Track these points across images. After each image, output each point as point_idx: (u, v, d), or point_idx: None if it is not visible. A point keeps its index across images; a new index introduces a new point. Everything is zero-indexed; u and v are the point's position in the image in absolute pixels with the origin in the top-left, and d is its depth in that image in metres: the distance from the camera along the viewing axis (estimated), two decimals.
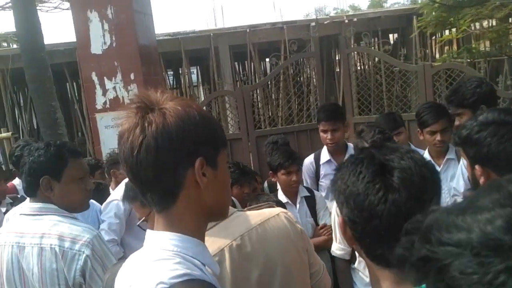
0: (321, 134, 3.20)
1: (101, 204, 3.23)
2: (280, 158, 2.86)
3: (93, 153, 4.99)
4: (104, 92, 4.43)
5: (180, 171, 0.92)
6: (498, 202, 0.51)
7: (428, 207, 0.74)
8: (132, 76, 4.39)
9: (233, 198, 3.00)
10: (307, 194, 2.95)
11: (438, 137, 2.67)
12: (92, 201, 2.69)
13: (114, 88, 4.42)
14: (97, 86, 4.44)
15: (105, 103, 4.44)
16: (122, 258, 2.55)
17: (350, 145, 3.27)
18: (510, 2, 6.76)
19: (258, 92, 8.54)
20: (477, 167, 1.40)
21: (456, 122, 2.39)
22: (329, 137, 3.12)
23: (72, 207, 1.78)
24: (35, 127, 10.52)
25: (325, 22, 10.19)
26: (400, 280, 0.88)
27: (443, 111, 2.72)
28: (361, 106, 5.10)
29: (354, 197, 0.90)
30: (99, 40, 4.42)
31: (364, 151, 0.99)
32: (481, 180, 1.40)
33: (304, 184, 3.19)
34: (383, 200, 0.86)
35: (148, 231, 1.00)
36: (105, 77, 4.43)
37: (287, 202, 2.93)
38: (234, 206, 2.82)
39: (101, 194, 3.45)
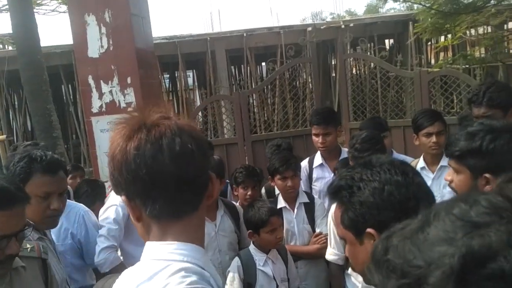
0: (313, 137, 3.21)
1: (95, 203, 3.18)
2: (276, 163, 2.86)
3: (88, 157, 4.97)
4: (101, 95, 4.41)
5: (207, 179, 0.96)
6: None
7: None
8: (128, 80, 4.37)
9: (233, 202, 2.99)
10: (307, 200, 2.93)
11: (433, 139, 2.70)
12: (77, 204, 2.66)
13: (111, 91, 4.39)
14: (94, 90, 4.42)
15: (101, 106, 4.42)
16: (121, 265, 2.53)
17: (344, 149, 3.28)
18: (506, 9, 6.82)
19: (254, 96, 8.56)
20: (487, 175, 1.37)
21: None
22: (321, 140, 3.13)
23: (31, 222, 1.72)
24: (30, 130, 10.47)
25: (322, 27, 10.23)
26: None
27: (438, 115, 2.80)
28: (357, 111, 5.12)
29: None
30: (96, 43, 4.40)
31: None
32: (488, 189, 1.38)
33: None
34: None
35: (151, 243, 0.94)
36: (101, 81, 4.40)
37: (285, 207, 2.93)
38: (234, 208, 2.83)
39: (96, 193, 3.39)
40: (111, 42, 4.36)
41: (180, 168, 0.88)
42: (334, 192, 1.09)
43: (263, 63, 13.07)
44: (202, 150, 0.93)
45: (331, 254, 2.43)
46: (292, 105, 7.50)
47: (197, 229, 0.95)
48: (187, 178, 0.90)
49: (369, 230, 1.00)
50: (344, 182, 1.06)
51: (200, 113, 8.15)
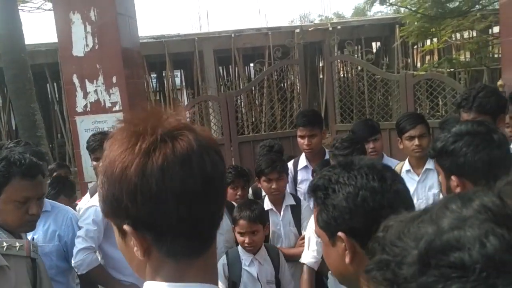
0: (299, 139, 3.21)
1: (59, 197, 3.23)
2: (262, 164, 2.86)
3: (73, 156, 4.91)
4: (85, 95, 4.35)
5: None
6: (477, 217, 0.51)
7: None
8: (114, 79, 4.33)
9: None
10: (293, 202, 2.93)
11: (416, 142, 2.73)
12: (66, 207, 2.63)
13: (96, 91, 4.34)
14: (78, 89, 4.36)
15: (85, 106, 4.36)
16: (99, 267, 2.50)
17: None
18: (490, 14, 6.92)
19: (242, 97, 8.54)
20: (453, 177, 1.42)
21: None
22: (306, 142, 3.14)
23: (8, 226, 1.70)
24: (14, 128, 10.31)
25: (310, 29, 10.27)
26: None
27: (421, 118, 2.84)
28: (343, 114, 5.14)
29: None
30: (81, 42, 4.34)
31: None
32: (457, 191, 1.42)
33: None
34: None
35: (163, 285, 0.75)
36: (86, 80, 4.35)
37: (271, 209, 2.93)
38: (233, 207, 2.82)
39: (62, 186, 3.43)
40: (96, 41, 4.31)
41: (210, 196, 0.72)
42: (312, 191, 1.07)
43: (251, 64, 13.07)
44: (224, 170, 0.76)
45: (311, 257, 2.41)
46: (279, 107, 7.50)
47: (214, 266, 0.81)
48: (216, 207, 0.75)
49: (339, 234, 0.98)
50: (321, 182, 1.05)
51: (187, 114, 8.09)
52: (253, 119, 9.17)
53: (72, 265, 2.42)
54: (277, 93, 7.19)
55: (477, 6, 6.37)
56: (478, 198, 0.54)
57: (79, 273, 2.44)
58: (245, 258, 2.51)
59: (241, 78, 10.92)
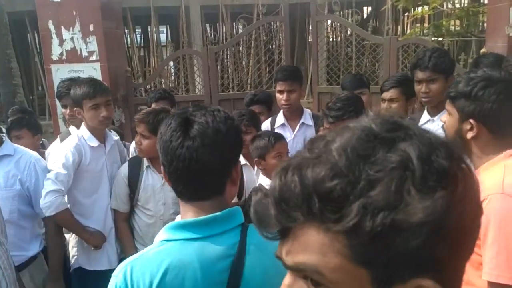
0: (277, 95, 3.16)
1: (22, 129, 3.33)
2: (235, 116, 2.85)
3: (50, 107, 4.81)
4: (61, 42, 4.22)
5: None
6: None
7: (228, 156, 1.17)
8: (91, 28, 4.19)
9: None
10: None
11: (385, 104, 2.81)
12: (29, 151, 2.58)
13: (72, 39, 4.21)
14: (54, 36, 4.22)
15: (61, 54, 4.24)
16: (66, 211, 2.49)
17: (307, 110, 3.27)
18: None
19: (228, 56, 8.38)
20: (471, 121, 1.44)
21: (422, 89, 2.43)
22: (285, 97, 3.09)
23: None
24: None
25: None
26: (201, 212, 1.15)
27: (395, 82, 2.87)
28: (330, 79, 5.11)
29: (162, 143, 1.15)
30: None
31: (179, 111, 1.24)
32: (470, 135, 1.44)
33: None
34: (180, 146, 1.12)
35: None
36: (62, 27, 4.20)
37: (245, 164, 2.93)
38: None
39: (26, 119, 3.48)
40: None
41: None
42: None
43: (240, 24, 12.78)
44: None
45: None
46: (266, 68, 7.39)
47: None
48: None
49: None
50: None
51: (172, 69, 7.96)
52: (239, 80, 9.06)
53: (40, 206, 2.41)
54: (264, 54, 7.07)
55: None
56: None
57: (46, 215, 2.44)
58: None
59: (228, 36, 10.68)
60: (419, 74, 2.46)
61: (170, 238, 1.16)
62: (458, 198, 0.49)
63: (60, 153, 2.54)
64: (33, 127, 3.41)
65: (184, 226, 1.16)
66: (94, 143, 2.61)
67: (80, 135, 2.61)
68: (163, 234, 1.18)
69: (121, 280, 1.12)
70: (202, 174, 1.15)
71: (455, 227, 0.49)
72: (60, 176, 2.46)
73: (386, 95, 2.79)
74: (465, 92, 1.45)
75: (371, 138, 0.51)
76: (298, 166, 0.52)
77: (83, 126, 2.65)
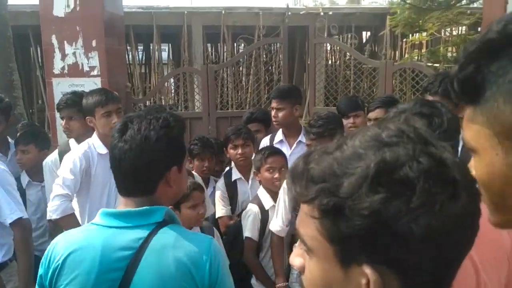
0: (272, 111, 3.26)
1: (29, 144, 3.44)
2: (229, 132, 2.91)
3: (50, 120, 4.86)
4: (63, 56, 4.29)
5: None
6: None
7: (157, 161, 1.31)
8: (94, 43, 4.27)
9: (193, 172, 3.00)
10: None
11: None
12: None
13: (74, 53, 4.28)
14: (56, 50, 4.30)
15: (63, 68, 4.31)
16: (71, 216, 2.52)
17: None
18: (478, 10, 6.96)
19: (228, 75, 8.49)
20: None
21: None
22: (273, 114, 3.18)
23: None
24: None
25: (301, 12, 10.21)
26: (129, 206, 1.35)
27: (383, 102, 2.95)
28: (327, 100, 5.23)
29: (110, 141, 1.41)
30: (63, 2, 4.27)
31: None
32: None
33: None
34: (114, 146, 1.35)
35: None
36: (65, 41, 4.28)
37: (240, 178, 2.97)
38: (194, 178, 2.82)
39: (33, 134, 3.59)
40: (78, 2, 4.24)
41: None
42: None
43: (242, 44, 12.98)
44: None
45: (279, 225, 2.52)
46: (265, 87, 7.48)
47: None
48: None
49: None
50: None
51: (172, 87, 8.04)
52: (239, 99, 9.15)
53: (47, 209, 2.46)
54: (264, 74, 7.19)
55: (464, 0, 6.41)
56: (393, 125, 0.63)
57: (52, 218, 2.48)
58: None
59: (230, 56, 10.83)
60: (429, 99, 2.49)
61: (95, 222, 1.30)
62: (412, 206, 0.55)
63: (69, 159, 2.63)
64: (41, 142, 3.50)
65: (108, 215, 1.30)
66: (103, 150, 2.67)
67: (91, 143, 2.71)
68: (96, 217, 1.33)
69: (47, 252, 1.30)
70: (129, 174, 1.29)
71: (410, 232, 0.55)
72: (67, 181, 2.52)
73: (372, 115, 2.88)
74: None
75: (374, 141, 0.60)
76: (307, 159, 0.65)
77: (94, 135, 2.74)
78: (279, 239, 2.55)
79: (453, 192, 0.57)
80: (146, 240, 1.22)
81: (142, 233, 1.24)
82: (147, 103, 5.99)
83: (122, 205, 1.32)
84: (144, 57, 12.69)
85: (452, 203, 0.56)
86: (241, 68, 9.31)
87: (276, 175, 2.58)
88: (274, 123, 3.26)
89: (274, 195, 2.60)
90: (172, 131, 1.31)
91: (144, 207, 1.27)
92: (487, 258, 1.02)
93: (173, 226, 1.29)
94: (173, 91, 9.57)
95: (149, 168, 1.28)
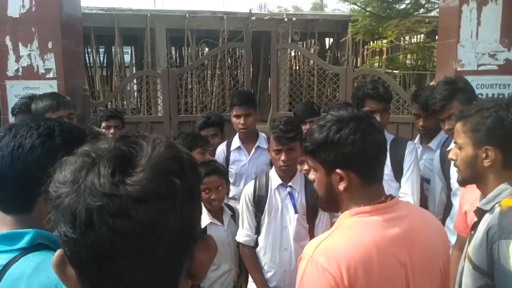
0: (234, 119, 3.22)
1: None
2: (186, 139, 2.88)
3: (2, 123, 4.67)
4: (18, 58, 4.14)
5: None
6: None
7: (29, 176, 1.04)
8: (50, 45, 4.14)
9: None
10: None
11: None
12: None
13: (29, 55, 4.14)
14: (10, 52, 4.14)
15: (17, 70, 4.15)
16: None
17: (262, 134, 3.34)
18: (435, 20, 7.23)
19: (193, 79, 8.44)
20: (338, 171, 1.27)
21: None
22: (242, 121, 3.16)
23: None
24: None
25: (265, 18, 10.30)
26: (3, 225, 1.11)
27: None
28: (290, 105, 5.30)
29: None
30: (17, 2, 4.12)
31: None
32: (342, 186, 1.28)
33: None
34: None
35: None
36: (20, 43, 4.13)
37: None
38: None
39: None
40: (33, 3, 4.10)
41: None
42: None
43: (206, 49, 12.94)
44: None
45: (244, 235, 2.48)
46: (229, 91, 7.48)
47: None
48: None
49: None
50: None
51: (134, 90, 7.92)
52: (202, 103, 9.11)
53: None
54: (228, 78, 7.20)
55: (422, 9, 6.64)
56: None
57: None
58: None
59: (193, 59, 10.77)
60: (372, 104, 2.59)
61: None
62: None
63: None
64: None
65: None
66: None
67: None
68: None
69: None
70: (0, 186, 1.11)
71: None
72: None
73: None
74: (320, 142, 1.29)
75: None
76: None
77: None
78: (250, 249, 2.50)
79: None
80: (3, 270, 1.04)
81: (1, 261, 1.05)
82: (108, 105, 5.85)
83: None
84: (106, 59, 12.44)
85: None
86: (205, 72, 9.30)
87: (213, 196, 2.49)
88: (242, 130, 3.19)
89: (214, 214, 2.56)
90: (53, 140, 1.12)
91: (8, 231, 1.09)
92: (416, 260, 1.25)
93: (43, 253, 1.07)
94: (135, 94, 9.43)
95: (20, 181, 1.09)
